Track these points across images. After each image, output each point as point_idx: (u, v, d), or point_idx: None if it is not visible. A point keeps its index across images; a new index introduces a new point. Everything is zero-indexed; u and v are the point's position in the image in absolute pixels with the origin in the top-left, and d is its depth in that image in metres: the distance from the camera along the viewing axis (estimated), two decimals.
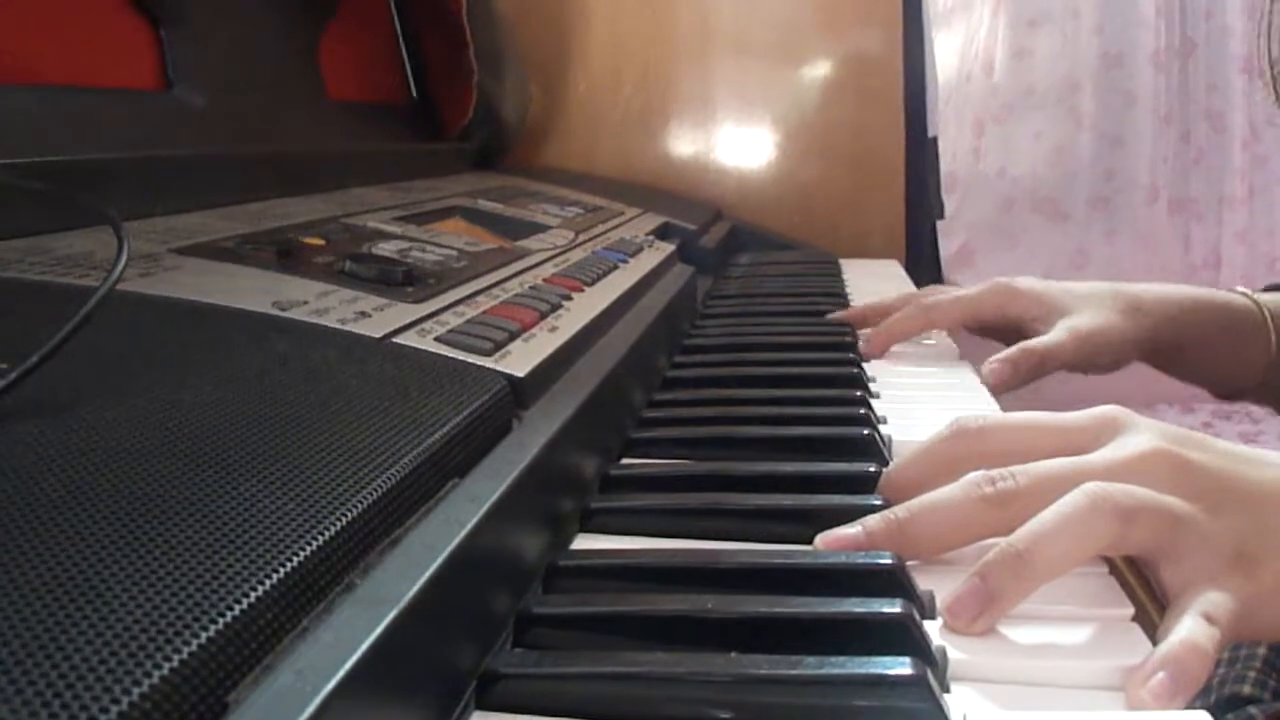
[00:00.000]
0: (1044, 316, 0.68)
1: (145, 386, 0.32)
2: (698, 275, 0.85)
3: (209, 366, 0.36)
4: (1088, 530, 0.34)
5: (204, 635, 0.21)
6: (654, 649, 0.31)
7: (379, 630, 0.24)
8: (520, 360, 0.44)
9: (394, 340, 0.42)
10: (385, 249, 0.57)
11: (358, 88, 0.99)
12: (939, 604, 0.34)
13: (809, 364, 0.65)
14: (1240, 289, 0.72)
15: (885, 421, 0.53)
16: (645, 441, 0.51)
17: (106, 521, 0.24)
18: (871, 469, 0.43)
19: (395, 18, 1.10)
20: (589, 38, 1.31)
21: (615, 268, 0.69)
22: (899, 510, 0.37)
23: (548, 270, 0.63)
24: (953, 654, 0.31)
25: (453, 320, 0.46)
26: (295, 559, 0.25)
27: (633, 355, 0.55)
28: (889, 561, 0.34)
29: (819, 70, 1.29)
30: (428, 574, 0.27)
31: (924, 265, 1.27)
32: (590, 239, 0.79)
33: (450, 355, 0.42)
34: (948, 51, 2.22)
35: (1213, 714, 0.29)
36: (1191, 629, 0.32)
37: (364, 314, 0.44)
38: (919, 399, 0.60)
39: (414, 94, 1.12)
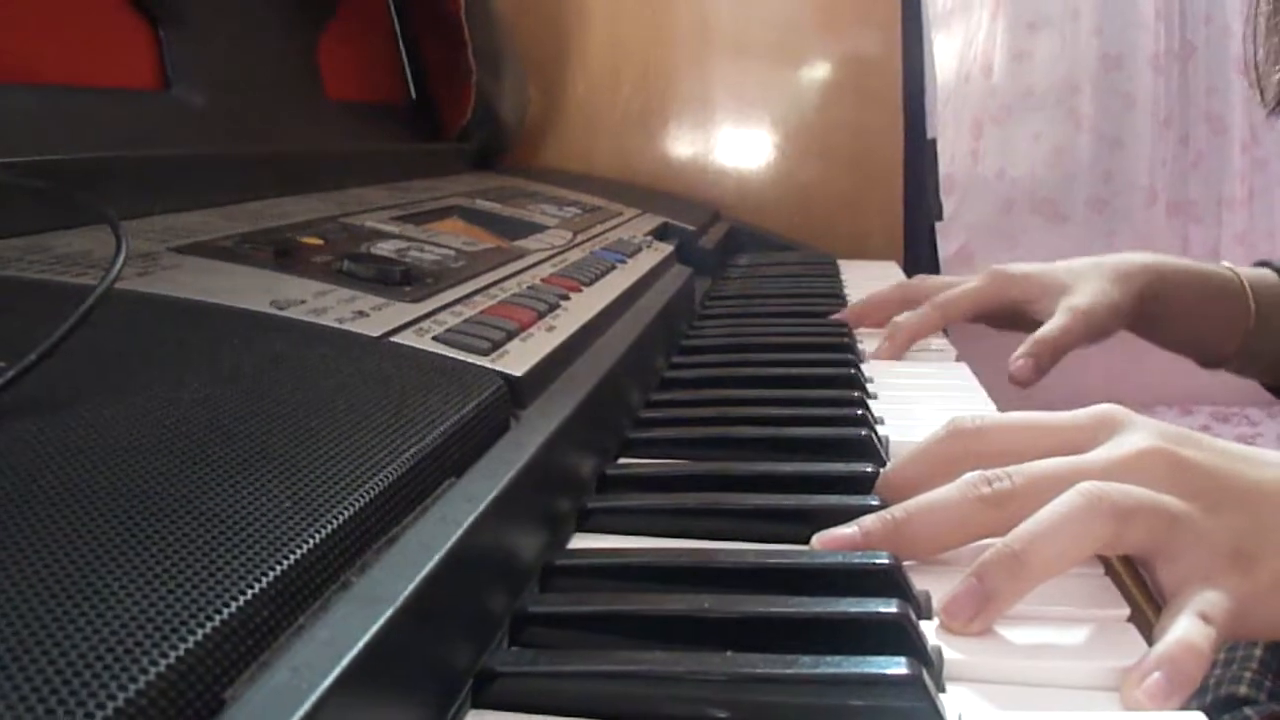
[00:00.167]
0: (1041, 297, 0.71)
1: (143, 385, 0.33)
2: (696, 276, 0.85)
3: (207, 365, 0.36)
4: (1084, 530, 0.34)
5: (201, 632, 0.21)
6: (651, 648, 0.31)
7: (375, 628, 0.24)
8: (518, 360, 0.44)
9: (391, 339, 0.42)
10: (383, 249, 0.57)
11: (357, 88, 0.99)
12: (935, 604, 0.34)
13: (807, 364, 0.65)
14: (1225, 263, 0.75)
15: (883, 422, 0.54)
16: (643, 441, 0.52)
17: (104, 519, 0.24)
18: (869, 469, 0.43)
19: (394, 18, 1.10)
20: (588, 38, 1.31)
21: (613, 268, 0.69)
22: (896, 510, 0.37)
23: (546, 270, 0.63)
24: (948, 654, 0.31)
25: (450, 320, 0.46)
26: (292, 557, 0.25)
27: (631, 355, 0.55)
28: (885, 561, 0.34)
29: (818, 71, 1.29)
30: (424, 572, 0.27)
31: (923, 266, 1.26)
32: (589, 239, 0.79)
33: (448, 354, 0.42)
34: (947, 53, 2.23)
35: (1208, 715, 0.29)
36: (1187, 628, 0.32)
37: (362, 313, 0.44)
38: (916, 399, 0.60)
39: (413, 94, 1.12)
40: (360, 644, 0.23)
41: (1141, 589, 0.48)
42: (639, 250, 0.78)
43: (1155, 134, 2.27)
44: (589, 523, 0.42)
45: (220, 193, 0.64)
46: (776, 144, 1.30)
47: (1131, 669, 0.30)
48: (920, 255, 1.28)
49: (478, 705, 0.29)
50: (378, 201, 0.74)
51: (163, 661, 0.20)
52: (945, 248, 1.67)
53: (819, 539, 0.37)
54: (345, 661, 0.23)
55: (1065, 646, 0.32)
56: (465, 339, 0.44)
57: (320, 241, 0.55)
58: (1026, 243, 2.27)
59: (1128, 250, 0.74)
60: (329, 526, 0.26)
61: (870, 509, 0.38)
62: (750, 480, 0.45)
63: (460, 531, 0.30)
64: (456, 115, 1.10)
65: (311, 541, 0.26)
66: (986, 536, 0.36)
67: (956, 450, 0.41)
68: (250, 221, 0.58)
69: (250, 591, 0.23)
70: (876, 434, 0.50)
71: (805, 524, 0.39)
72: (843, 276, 1.02)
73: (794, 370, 0.63)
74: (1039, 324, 0.69)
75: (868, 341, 0.75)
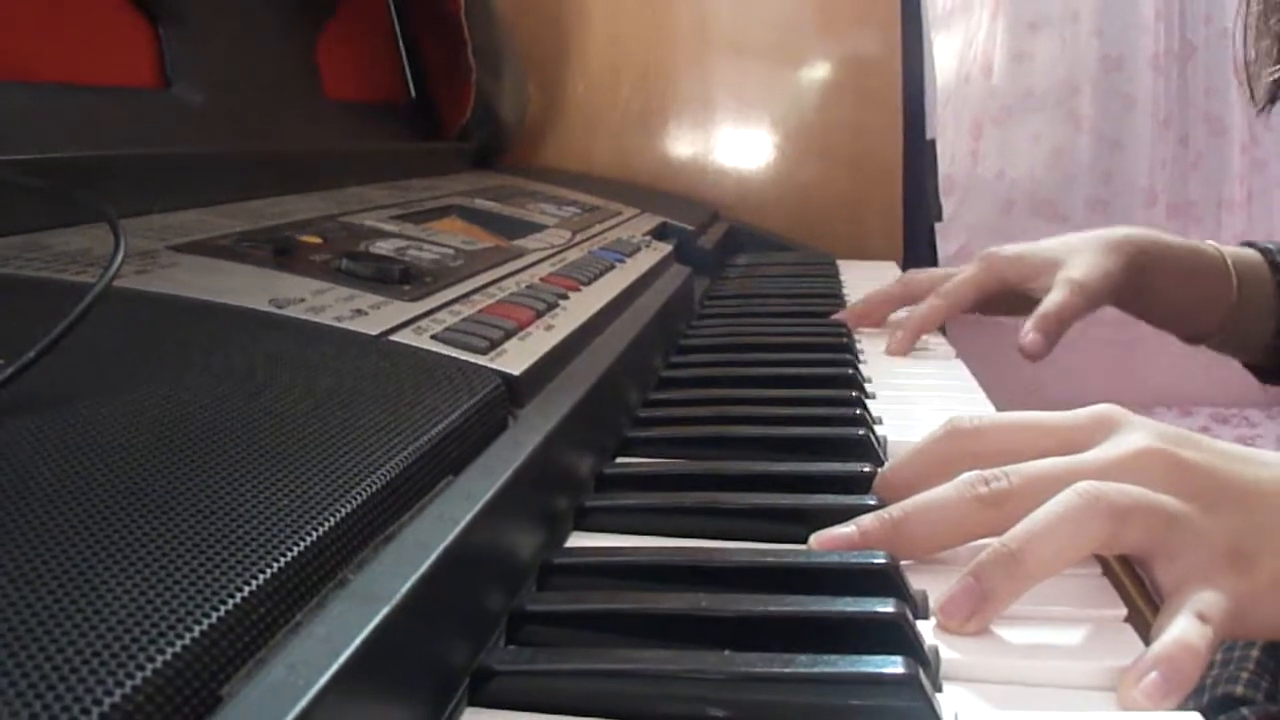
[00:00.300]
0: (1037, 275, 0.73)
1: (141, 383, 0.33)
2: (695, 275, 0.85)
3: (205, 363, 0.36)
4: (1081, 529, 0.34)
5: (198, 629, 0.21)
6: (648, 647, 0.31)
7: (372, 626, 0.24)
8: (516, 359, 0.44)
9: (390, 338, 0.42)
10: (382, 247, 0.57)
11: (356, 87, 0.99)
12: (932, 603, 0.34)
13: (805, 364, 0.65)
14: (1210, 242, 0.76)
15: (881, 422, 0.54)
16: (641, 440, 0.52)
17: (102, 516, 0.24)
18: (866, 469, 0.43)
19: (394, 17, 1.10)
20: (588, 37, 1.31)
21: (612, 267, 0.69)
22: (893, 510, 0.37)
23: (544, 269, 0.63)
24: (945, 653, 0.31)
25: (449, 318, 0.46)
26: (289, 554, 0.25)
27: (629, 354, 0.55)
28: (883, 561, 0.34)
29: (817, 71, 1.29)
30: (421, 570, 0.27)
31: (922, 267, 1.26)
32: (587, 239, 0.79)
33: (446, 353, 0.42)
34: (946, 54, 2.23)
35: (1205, 715, 0.29)
36: (1185, 628, 0.32)
37: (360, 312, 0.44)
38: (914, 399, 0.60)
39: (412, 93, 1.12)
40: (357, 641, 0.23)
41: (1139, 589, 0.48)
42: (638, 250, 0.78)
43: (1155, 135, 2.28)
44: (586, 521, 0.42)
45: (219, 191, 0.64)
46: (776, 144, 1.30)
47: (1128, 669, 0.30)
48: (920, 256, 1.28)
49: (474, 703, 0.29)
50: (377, 200, 0.74)
51: (159, 658, 0.20)
52: (945, 248, 1.67)
53: (817, 538, 0.37)
54: (342, 659, 0.23)
55: (1062, 646, 0.32)
56: (463, 338, 0.44)
57: (319, 240, 0.55)
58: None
59: None
60: (326, 524, 0.27)
61: (868, 509, 0.38)
62: (748, 480, 0.45)
63: (458, 530, 0.30)
64: (456, 115, 1.10)
65: (309, 539, 0.26)
66: (984, 536, 0.36)
67: (954, 450, 0.41)
68: (249, 220, 0.58)
69: (247, 588, 0.23)
70: (874, 434, 0.50)
71: (803, 523, 0.39)
72: (842, 277, 1.02)
73: (792, 370, 0.63)
74: (1037, 301, 0.71)
75: (867, 341, 0.75)
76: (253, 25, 0.80)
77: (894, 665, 0.28)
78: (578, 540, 0.41)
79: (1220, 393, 2.30)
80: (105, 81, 0.65)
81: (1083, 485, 0.34)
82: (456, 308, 0.48)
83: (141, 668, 0.19)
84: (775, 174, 1.30)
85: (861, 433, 0.49)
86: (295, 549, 0.25)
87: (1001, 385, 0.66)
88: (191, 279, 0.44)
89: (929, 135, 1.31)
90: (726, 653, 0.30)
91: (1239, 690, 0.56)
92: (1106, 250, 0.72)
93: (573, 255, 0.70)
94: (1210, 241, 0.77)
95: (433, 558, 0.28)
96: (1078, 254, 0.72)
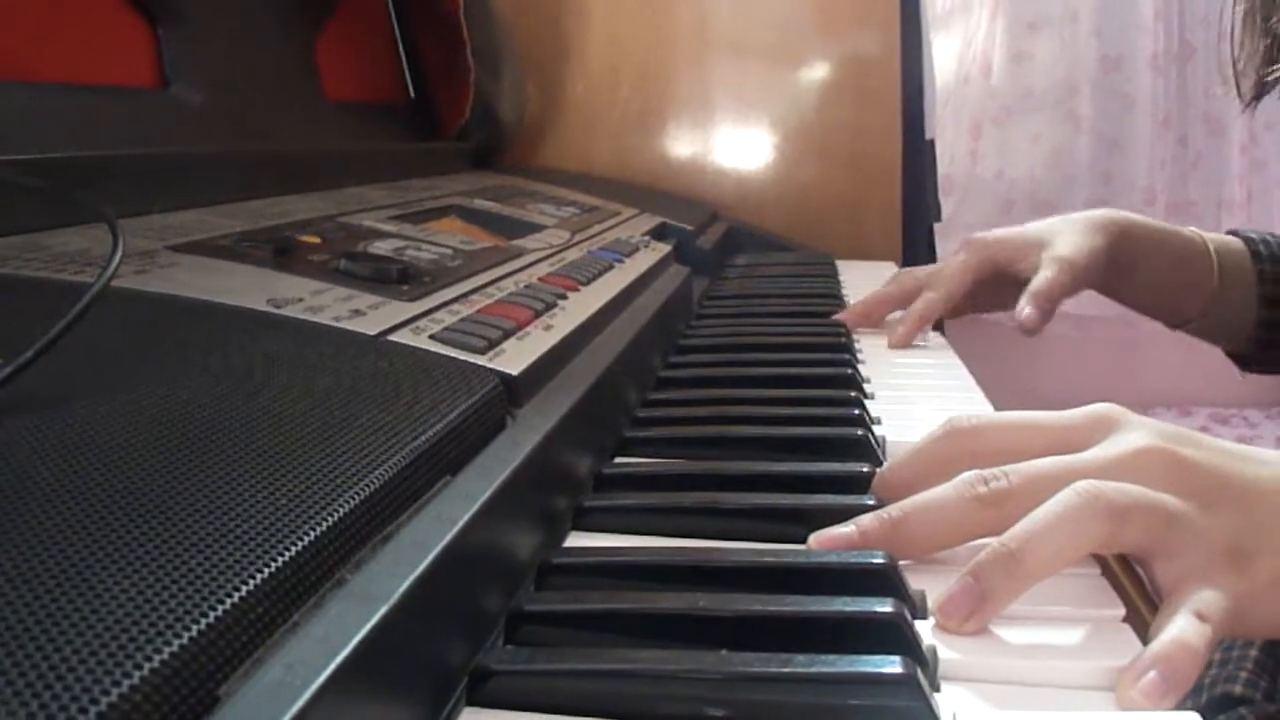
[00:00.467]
0: (1023, 255, 0.75)
1: (139, 382, 0.33)
2: (694, 275, 0.85)
3: (203, 363, 0.36)
4: (1080, 529, 0.34)
5: (195, 629, 0.21)
6: (646, 647, 0.31)
7: (369, 626, 0.24)
8: (514, 358, 0.44)
9: (388, 338, 0.42)
10: (381, 247, 0.57)
11: (355, 87, 0.99)
12: (931, 603, 0.34)
13: (804, 364, 0.65)
14: (1191, 228, 0.78)
15: (880, 422, 0.54)
16: (639, 440, 0.52)
17: (99, 516, 0.24)
18: (865, 469, 0.43)
19: (393, 18, 1.10)
20: (587, 37, 1.31)
21: (611, 267, 0.69)
22: (892, 510, 0.37)
23: (543, 269, 0.63)
24: (944, 653, 0.31)
25: (447, 318, 0.46)
26: (287, 554, 0.25)
27: (627, 354, 0.55)
28: (881, 561, 0.34)
29: (817, 72, 1.29)
30: (419, 570, 0.27)
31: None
32: (586, 239, 0.79)
33: (444, 353, 0.42)
34: (946, 54, 2.23)
35: (1203, 714, 0.29)
36: (1183, 627, 0.32)
37: (359, 312, 0.44)
38: (913, 399, 0.60)
39: (411, 93, 1.12)
40: (355, 641, 0.23)
41: (1137, 588, 0.48)
42: (637, 250, 0.78)
43: (1154, 135, 2.27)
44: (585, 521, 0.42)
45: (218, 191, 0.64)
46: (775, 144, 1.30)
47: (1127, 668, 0.30)
48: (919, 256, 1.28)
49: (473, 703, 0.29)
50: (376, 200, 0.74)
51: (156, 658, 0.20)
52: (944, 249, 1.67)
53: (816, 538, 0.37)
54: (339, 659, 0.23)
55: (1061, 646, 0.32)
56: (462, 337, 0.44)
57: (318, 240, 0.55)
58: None
59: None
60: (324, 523, 0.26)
61: (867, 508, 0.38)
62: (747, 479, 0.45)
63: (456, 529, 0.30)
64: (455, 115, 1.10)
65: (306, 538, 0.26)
66: (983, 536, 0.36)
67: (953, 450, 0.41)
68: (248, 220, 0.58)
69: (245, 588, 0.23)
70: (873, 434, 0.50)
71: (802, 523, 0.39)
72: (841, 277, 1.02)
73: (791, 370, 0.63)
74: (1026, 282, 0.72)
75: (866, 341, 0.75)
76: (252, 25, 0.80)
77: (892, 665, 0.28)
78: (576, 540, 0.41)
79: (1220, 393, 2.30)
80: (104, 81, 0.65)
81: (1082, 484, 0.34)
82: (455, 308, 0.48)
83: (139, 667, 0.19)
84: (774, 174, 1.30)
85: (860, 433, 0.49)
86: (293, 548, 0.25)
87: (1000, 385, 0.66)
88: (190, 279, 0.44)
89: (928, 135, 1.31)
90: (725, 653, 0.30)
91: (1237, 690, 0.57)
92: (1090, 230, 0.73)
93: (571, 255, 0.70)
94: (1192, 227, 0.78)
95: (431, 558, 0.28)
96: (1062, 234, 0.74)
